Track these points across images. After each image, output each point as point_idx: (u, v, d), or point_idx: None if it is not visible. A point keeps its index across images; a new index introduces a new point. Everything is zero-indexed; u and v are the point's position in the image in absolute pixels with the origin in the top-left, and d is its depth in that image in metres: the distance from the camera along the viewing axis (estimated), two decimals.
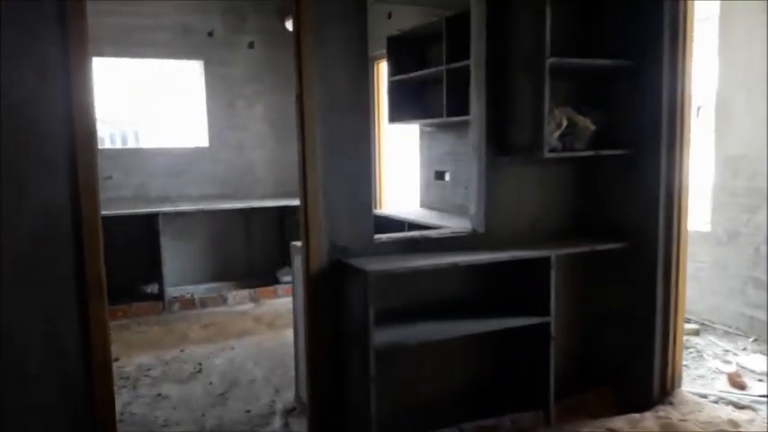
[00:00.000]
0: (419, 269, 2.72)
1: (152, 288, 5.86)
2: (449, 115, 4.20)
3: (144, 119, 5.76)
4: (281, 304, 5.67)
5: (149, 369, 4.05)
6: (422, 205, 5.41)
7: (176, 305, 5.48)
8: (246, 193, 6.30)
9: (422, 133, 5.24)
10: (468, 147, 4.61)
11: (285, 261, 6.41)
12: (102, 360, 2.44)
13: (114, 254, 5.82)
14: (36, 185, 2.28)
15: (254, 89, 6.24)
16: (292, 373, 3.95)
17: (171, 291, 5.77)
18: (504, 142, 3.15)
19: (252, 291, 5.82)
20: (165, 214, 5.47)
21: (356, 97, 2.85)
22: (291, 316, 5.46)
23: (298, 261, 3.29)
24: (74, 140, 2.31)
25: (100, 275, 2.38)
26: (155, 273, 5.71)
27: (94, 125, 2.39)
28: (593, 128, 3.14)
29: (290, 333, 4.88)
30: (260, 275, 6.28)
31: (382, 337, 2.65)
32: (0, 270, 2.25)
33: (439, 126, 4.89)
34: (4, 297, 2.27)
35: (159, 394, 3.63)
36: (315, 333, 2.83)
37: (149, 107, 5.90)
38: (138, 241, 5.79)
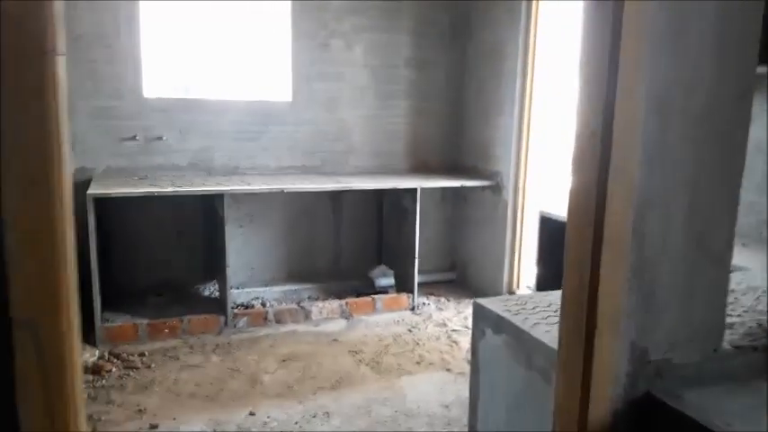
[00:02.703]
0: None
1: (211, 289, 4.41)
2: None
3: (209, 62, 4.16)
4: (383, 324, 4.11)
5: None
6: None
7: (243, 320, 3.99)
8: (336, 166, 4.69)
9: None
10: None
11: (381, 258, 4.83)
12: None
13: (163, 243, 4.21)
14: None
15: (355, 23, 4.54)
16: None
17: (236, 294, 4.29)
18: None
19: (342, 303, 4.26)
20: (233, 194, 3.94)
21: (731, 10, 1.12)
22: (399, 347, 3.68)
23: (494, 341, 1.64)
24: None
25: None
26: (215, 269, 4.24)
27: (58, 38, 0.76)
28: None
29: (407, 385, 3.33)
30: (349, 275, 4.73)
31: None
32: None
33: None
34: None
35: None
36: None
37: (217, 48, 4.29)
38: (195, 227, 4.32)
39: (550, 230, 3.42)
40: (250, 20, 4.40)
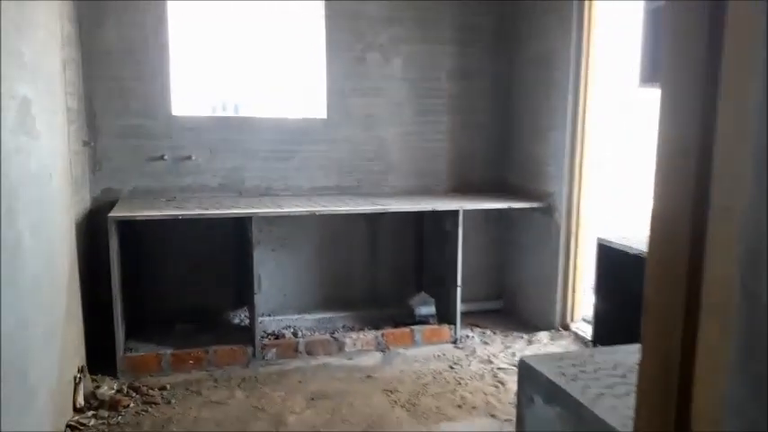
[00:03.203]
0: None
1: (241, 317, 4.19)
2: None
3: (241, 79, 3.99)
4: (421, 359, 3.77)
5: None
6: None
7: (272, 351, 3.73)
8: (374, 187, 4.42)
9: None
10: None
11: (421, 286, 4.50)
12: None
13: (193, 268, 3.99)
14: None
15: (392, 34, 4.29)
16: None
17: (267, 322, 4.06)
18: None
19: (378, 334, 3.95)
20: (264, 217, 3.72)
21: None
22: (438, 386, 3.30)
23: (545, 413, 1.30)
24: None
25: None
26: (246, 296, 4.02)
27: None
28: None
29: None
30: (387, 303, 4.42)
31: None
32: None
33: None
34: None
35: None
36: None
37: (249, 65, 4.12)
38: (225, 251, 4.12)
39: (610, 259, 3.02)
40: (283, 35, 4.22)
